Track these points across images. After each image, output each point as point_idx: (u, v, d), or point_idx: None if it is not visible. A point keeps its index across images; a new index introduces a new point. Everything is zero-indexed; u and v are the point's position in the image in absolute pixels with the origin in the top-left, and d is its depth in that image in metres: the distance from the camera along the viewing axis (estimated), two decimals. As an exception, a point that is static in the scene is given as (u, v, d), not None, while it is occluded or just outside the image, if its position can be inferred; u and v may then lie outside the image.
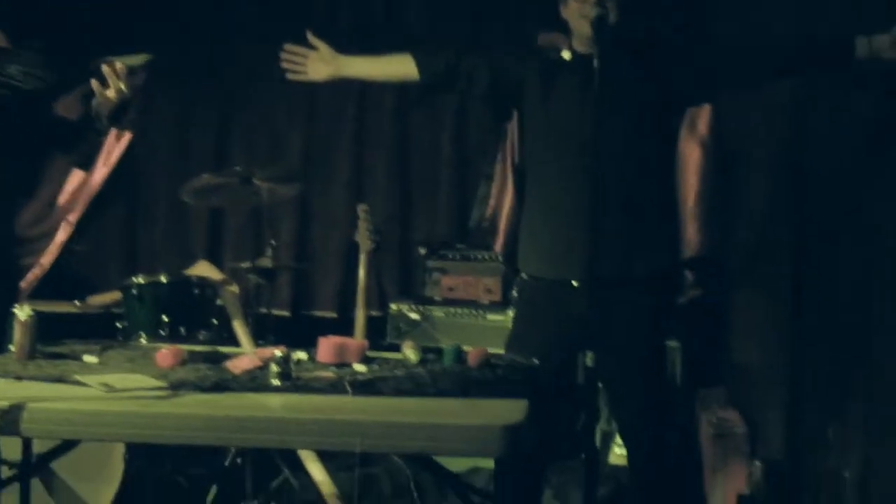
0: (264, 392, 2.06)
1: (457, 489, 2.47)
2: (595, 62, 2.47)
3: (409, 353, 2.38)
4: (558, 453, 3.56)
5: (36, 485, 2.97)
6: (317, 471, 3.12)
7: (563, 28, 2.58)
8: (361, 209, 4.08)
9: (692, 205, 2.62)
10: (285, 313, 4.25)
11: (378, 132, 4.32)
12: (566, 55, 2.56)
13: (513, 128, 2.75)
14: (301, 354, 2.36)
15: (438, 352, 2.40)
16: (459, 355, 2.35)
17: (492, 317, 3.73)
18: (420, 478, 3.44)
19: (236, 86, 4.36)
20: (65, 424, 1.90)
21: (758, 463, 3.11)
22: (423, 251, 4.12)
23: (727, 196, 2.96)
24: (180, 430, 1.90)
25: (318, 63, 2.53)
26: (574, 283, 2.50)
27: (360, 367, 2.27)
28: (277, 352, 2.15)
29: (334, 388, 2.08)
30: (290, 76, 2.52)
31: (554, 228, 2.55)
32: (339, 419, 1.87)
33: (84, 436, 2.08)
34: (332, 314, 4.27)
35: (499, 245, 2.77)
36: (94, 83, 2.27)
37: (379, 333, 3.93)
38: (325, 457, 3.48)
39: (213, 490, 3.33)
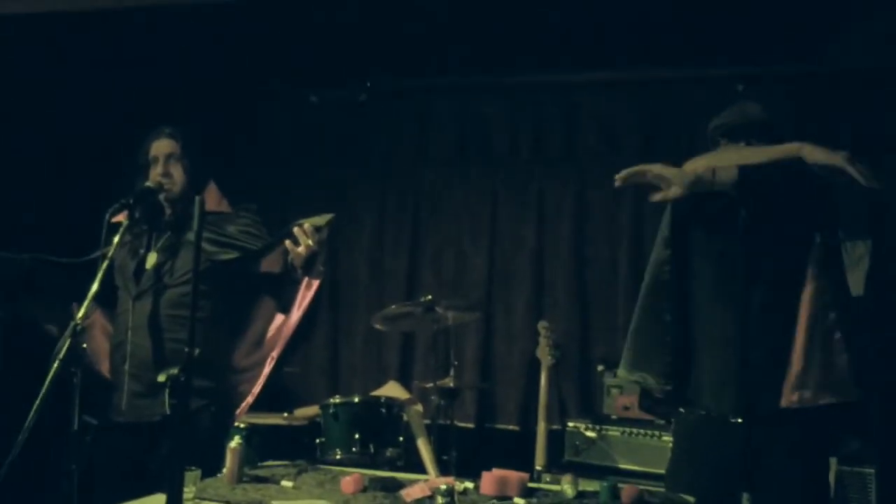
0: (430, 523, 2.30)
1: None
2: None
3: (567, 487, 2.53)
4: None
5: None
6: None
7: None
8: (542, 326, 4.28)
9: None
10: (470, 425, 4.50)
11: (556, 252, 4.56)
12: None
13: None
14: (468, 484, 2.58)
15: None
16: (614, 492, 2.46)
17: (667, 437, 3.77)
18: None
19: (423, 214, 4.77)
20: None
21: None
22: (600, 368, 4.24)
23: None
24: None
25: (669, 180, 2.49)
26: (731, 419, 2.55)
27: (519, 502, 2.45)
28: (443, 484, 2.37)
29: (492, 523, 2.27)
30: (653, 197, 2.51)
31: (710, 363, 2.63)
32: (488, 558, 2.06)
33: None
34: (514, 427, 4.46)
35: None
36: (287, 242, 2.65)
37: (559, 447, 4.07)
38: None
39: None
